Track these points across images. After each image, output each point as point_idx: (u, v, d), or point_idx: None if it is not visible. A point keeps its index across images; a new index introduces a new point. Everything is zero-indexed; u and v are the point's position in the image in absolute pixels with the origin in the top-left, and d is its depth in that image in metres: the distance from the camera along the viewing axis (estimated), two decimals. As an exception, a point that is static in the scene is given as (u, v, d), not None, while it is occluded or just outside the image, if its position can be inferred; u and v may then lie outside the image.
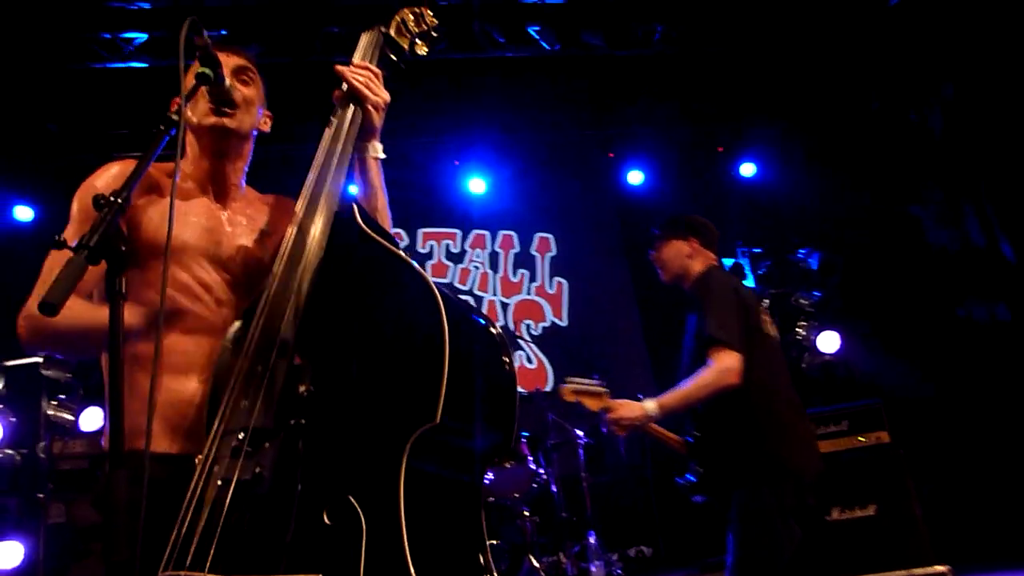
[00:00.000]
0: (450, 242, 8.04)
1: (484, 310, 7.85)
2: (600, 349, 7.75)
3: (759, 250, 7.04)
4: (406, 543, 1.00)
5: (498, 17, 6.28)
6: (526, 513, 5.23)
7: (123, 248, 1.15)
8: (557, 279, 8.13)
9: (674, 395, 2.98)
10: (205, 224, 1.76)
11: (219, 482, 1.13)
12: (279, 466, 1.11)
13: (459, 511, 1.22)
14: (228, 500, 1.11)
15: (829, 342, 6.78)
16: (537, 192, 8.14)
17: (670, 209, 8.04)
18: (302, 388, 1.17)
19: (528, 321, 7.92)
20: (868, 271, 7.42)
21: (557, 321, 8.00)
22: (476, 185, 7.82)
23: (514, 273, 8.07)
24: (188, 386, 1.54)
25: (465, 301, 1.48)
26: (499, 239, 8.15)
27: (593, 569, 4.85)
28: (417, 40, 1.96)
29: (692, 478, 3.22)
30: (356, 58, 1.85)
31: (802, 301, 7.03)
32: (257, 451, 1.12)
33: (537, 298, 8.04)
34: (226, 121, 1.76)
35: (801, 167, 7.87)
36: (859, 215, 7.57)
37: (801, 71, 7.46)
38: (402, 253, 1.35)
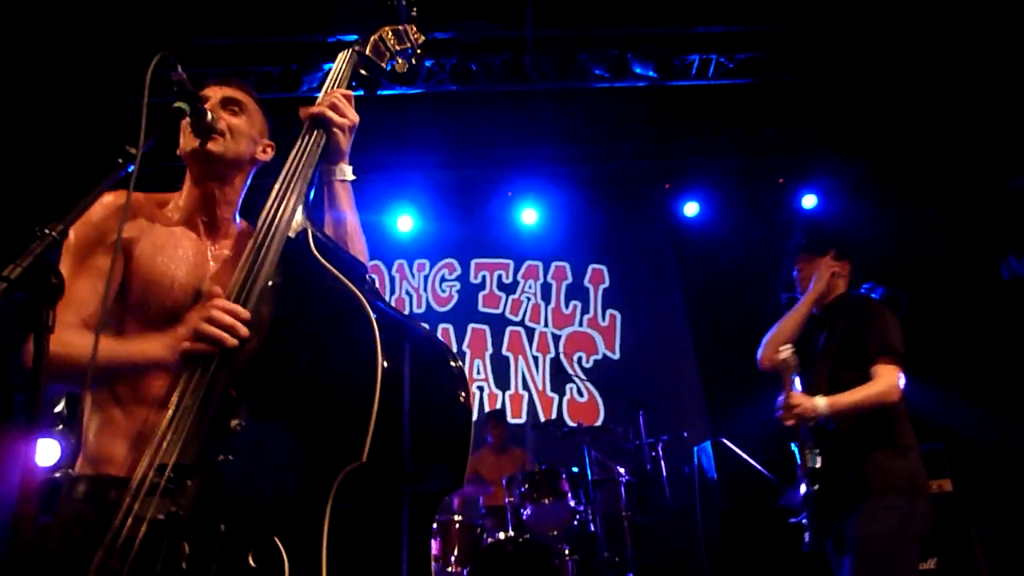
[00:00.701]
0: (502, 272, 8.03)
1: (535, 342, 7.79)
2: (653, 383, 7.58)
3: (817, 285, 6.76)
4: None
5: (550, 49, 6.29)
6: (566, 551, 5.10)
7: (54, 281, 1.13)
8: (610, 311, 8.01)
9: (844, 399, 3.03)
10: (191, 259, 1.75)
11: (131, 520, 1.11)
12: (202, 504, 1.08)
13: (393, 554, 1.15)
14: (139, 539, 1.08)
15: (895, 382, 6.45)
16: (591, 223, 8.09)
17: (727, 241, 7.88)
18: (234, 423, 1.13)
19: (580, 353, 7.82)
20: (936, 309, 7.06)
21: (609, 354, 7.87)
22: (528, 216, 7.82)
23: (566, 305, 8.00)
24: (165, 417, 1.53)
25: (421, 335, 1.39)
26: (552, 270, 8.10)
27: (632, 613, 4.69)
28: (398, 59, 1.92)
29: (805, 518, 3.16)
30: (328, 79, 1.84)
31: (865, 338, 6.71)
32: (180, 488, 1.08)
33: (589, 330, 7.94)
34: (209, 146, 1.76)
35: (865, 200, 7.59)
36: (927, 251, 7.23)
37: (869, 102, 7.22)
38: (348, 283, 1.27)
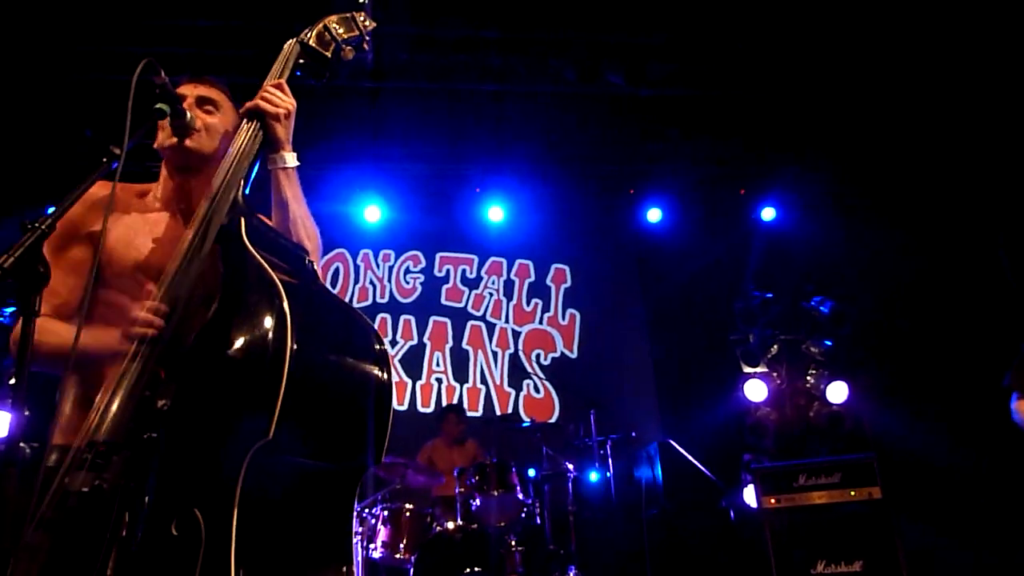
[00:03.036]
0: (467, 267, 8.14)
1: (495, 337, 7.91)
2: (609, 383, 7.76)
3: (770, 295, 6.98)
4: (232, 560, 1.07)
5: (520, 49, 6.40)
6: (512, 543, 5.24)
7: (41, 270, 1.24)
8: (570, 311, 8.17)
9: None
10: (168, 243, 1.84)
11: (60, 494, 1.20)
12: (128, 478, 1.17)
13: (308, 529, 1.25)
14: (66, 511, 1.17)
15: (837, 392, 6.69)
16: (556, 223, 8.23)
17: (687, 248, 8.08)
18: (161, 403, 1.22)
19: (538, 351, 7.97)
20: (886, 323, 7.33)
21: (567, 352, 8.02)
22: (495, 213, 7.92)
23: (528, 302, 8.13)
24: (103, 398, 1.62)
25: (346, 321, 1.46)
26: (515, 267, 8.23)
27: (570, 604, 4.85)
28: (344, 47, 1.98)
29: None
30: (272, 71, 1.91)
31: (812, 349, 6.95)
32: (106, 463, 1.17)
33: (549, 328, 8.09)
34: (187, 143, 1.86)
35: (824, 214, 7.83)
36: (885, 265, 7.47)
37: (830, 115, 7.43)
38: (268, 269, 1.34)
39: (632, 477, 6.33)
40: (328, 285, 7.71)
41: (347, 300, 7.69)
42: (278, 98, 1.83)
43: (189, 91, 1.94)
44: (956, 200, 7.12)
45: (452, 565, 4.85)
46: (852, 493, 4.90)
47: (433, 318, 7.88)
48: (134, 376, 1.25)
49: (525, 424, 6.11)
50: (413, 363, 7.68)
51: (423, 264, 8.06)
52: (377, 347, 1.42)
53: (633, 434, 5.79)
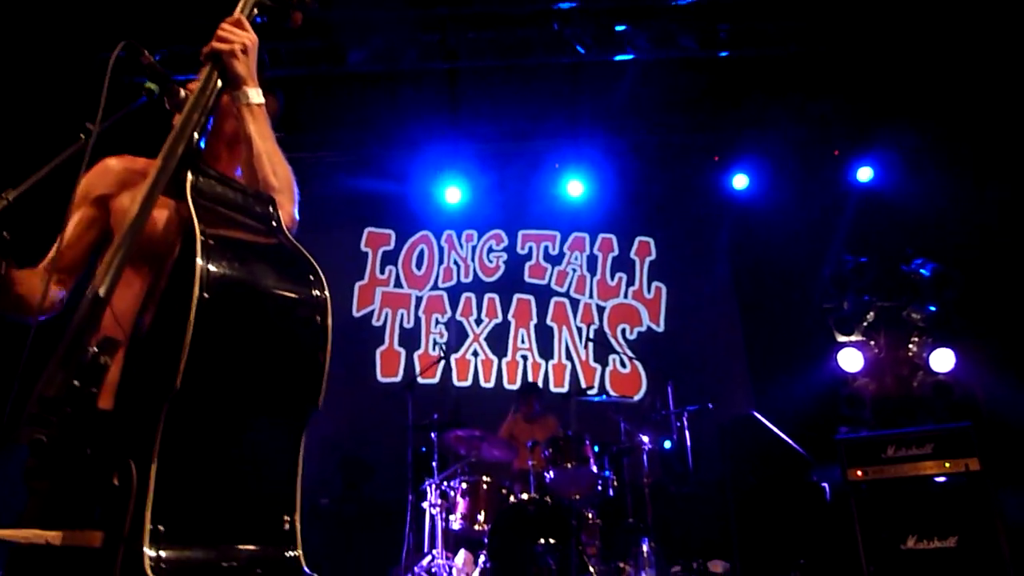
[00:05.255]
0: (549, 244, 8.13)
1: (579, 312, 7.87)
2: (697, 356, 7.59)
3: (864, 260, 6.61)
4: (149, 512, 1.13)
5: (590, 19, 6.30)
6: (588, 515, 5.25)
7: (6, 236, 1.33)
8: (656, 284, 8.03)
9: None
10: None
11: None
12: (70, 431, 1.24)
13: (235, 479, 1.30)
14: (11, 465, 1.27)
15: (943, 360, 6.27)
16: (638, 195, 8.09)
17: (777, 214, 7.75)
18: (103, 359, 1.27)
19: (624, 325, 7.88)
20: (995, 287, 6.80)
21: (654, 326, 7.89)
22: (575, 187, 7.86)
23: (612, 277, 8.05)
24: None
25: (282, 265, 1.44)
26: (598, 242, 8.16)
27: (643, 575, 4.80)
28: None
29: None
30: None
31: (914, 315, 6.54)
32: (48, 418, 1.24)
33: (634, 302, 7.98)
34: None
35: (924, 173, 7.34)
36: (988, 229, 6.94)
37: (928, 69, 6.93)
38: (196, 223, 1.34)
39: (716, 450, 6.17)
40: (413, 267, 7.95)
41: (432, 281, 7.88)
42: (233, 33, 1.79)
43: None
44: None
45: (526, 536, 4.89)
46: (947, 464, 4.60)
47: (517, 296, 7.93)
48: (75, 331, 1.32)
49: (600, 398, 6.07)
50: (498, 341, 7.76)
51: (506, 243, 8.11)
52: (315, 293, 1.42)
53: (711, 406, 5.64)
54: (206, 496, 1.25)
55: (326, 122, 7.30)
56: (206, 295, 1.23)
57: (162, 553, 1.17)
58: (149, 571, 1.14)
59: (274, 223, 1.58)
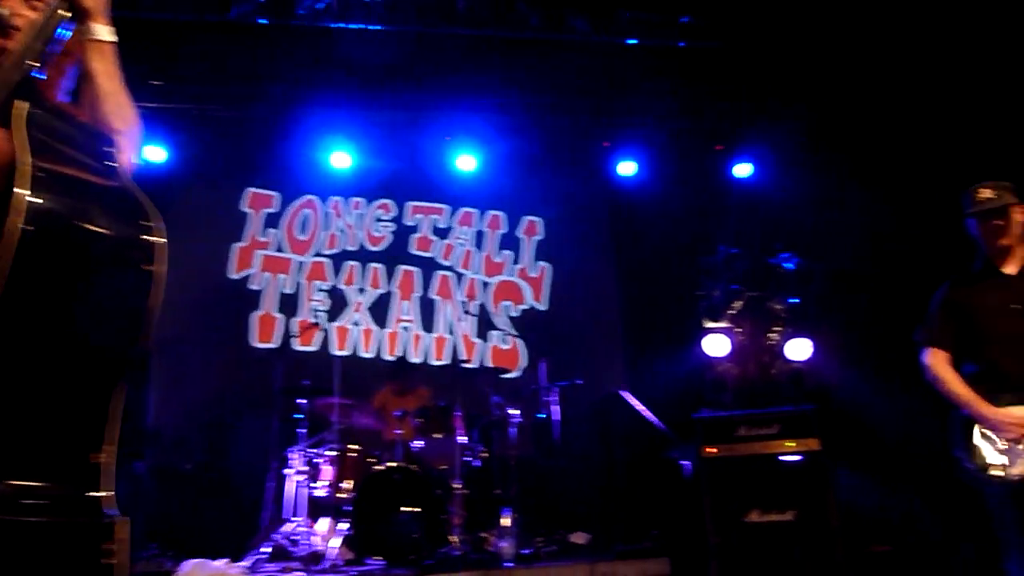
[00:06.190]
0: (437, 217, 8.10)
1: (464, 287, 7.89)
2: (577, 336, 7.76)
3: (735, 251, 6.92)
4: None
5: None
6: (456, 486, 5.29)
7: None
8: (541, 263, 8.14)
9: None
10: None
11: None
12: None
13: (47, 412, 1.28)
14: None
15: (800, 349, 6.65)
16: (529, 175, 8.15)
17: (661, 203, 8.00)
18: None
19: (507, 303, 7.95)
20: (853, 282, 7.26)
21: (536, 305, 8.01)
22: (466, 162, 7.84)
23: (498, 253, 8.10)
24: None
25: (113, 205, 1.42)
26: (487, 219, 8.18)
27: (503, 545, 4.89)
28: None
29: None
30: None
31: (777, 306, 6.90)
32: None
33: (519, 280, 8.06)
34: (7, 43, 1.79)
35: (797, 173, 7.73)
36: (851, 229, 7.38)
37: (805, 73, 7.28)
38: (24, 157, 1.29)
39: (583, 426, 6.34)
40: (296, 231, 7.75)
41: (316, 247, 7.70)
42: None
43: None
44: (927, 161, 6.99)
45: (390, 504, 4.89)
46: (791, 444, 4.89)
47: (402, 267, 7.86)
48: None
49: (472, 367, 6.13)
50: (380, 311, 7.68)
51: (394, 212, 8.02)
52: (145, 238, 1.40)
53: (579, 382, 5.79)
54: (17, 431, 1.22)
55: (212, 73, 6.96)
56: (30, 227, 1.18)
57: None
58: None
59: (112, 163, 1.53)
